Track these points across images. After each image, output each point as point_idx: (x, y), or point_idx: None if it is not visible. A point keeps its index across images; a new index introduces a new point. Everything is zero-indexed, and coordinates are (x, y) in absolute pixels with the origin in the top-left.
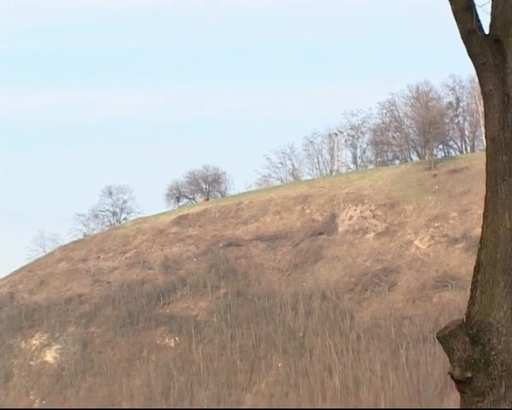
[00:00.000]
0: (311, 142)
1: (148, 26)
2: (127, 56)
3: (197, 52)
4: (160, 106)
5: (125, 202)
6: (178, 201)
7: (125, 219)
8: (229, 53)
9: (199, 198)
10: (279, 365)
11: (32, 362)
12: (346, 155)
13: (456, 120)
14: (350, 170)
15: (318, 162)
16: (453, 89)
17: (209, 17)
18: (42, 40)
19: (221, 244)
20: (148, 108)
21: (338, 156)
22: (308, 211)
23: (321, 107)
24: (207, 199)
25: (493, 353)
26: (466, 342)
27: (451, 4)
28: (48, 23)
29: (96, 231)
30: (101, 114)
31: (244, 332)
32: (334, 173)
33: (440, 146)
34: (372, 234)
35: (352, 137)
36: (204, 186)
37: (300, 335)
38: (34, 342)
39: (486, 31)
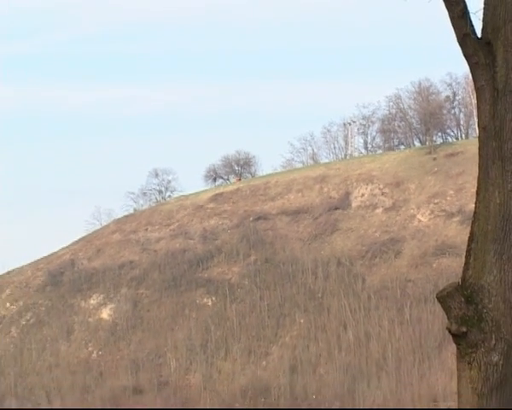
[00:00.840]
0: (328, 130)
1: (179, 30)
2: (168, 56)
3: (228, 52)
4: (199, 99)
5: (169, 181)
6: (215, 181)
7: (169, 196)
8: (257, 52)
9: (232, 179)
10: (301, 321)
11: (90, 319)
12: (358, 141)
13: (452, 112)
14: (361, 154)
15: (334, 148)
16: (450, 84)
17: (242, 20)
18: (95, 43)
19: (251, 218)
20: (190, 101)
21: (351, 143)
22: (326, 189)
23: (337, 100)
24: (239, 179)
25: (485, 311)
26: (461, 302)
27: (449, 12)
28: (96, 28)
29: (144, 207)
30: (149, 106)
31: (271, 293)
32: (347, 157)
33: (439, 134)
34: (380, 209)
35: (364, 126)
36: (236, 168)
37: (319, 295)
38: (92, 301)
39: (479, 34)
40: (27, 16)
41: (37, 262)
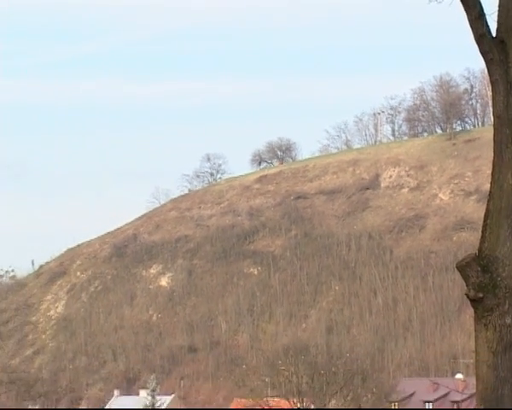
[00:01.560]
0: (360, 119)
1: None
2: (224, 54)
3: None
4: (247, 91)
5: (219, 165)
6: (260, 164)
7: (219, 178)
8: (300, 50)
9: (275, 162)
10: (336, 288)
11: (150, 286)
12: (386, 129)
13: (470, 102)
14: (389, 140)
15: (365, 135)
16: (468, 78)
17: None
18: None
19: (292, 197)
20: (241, 93)
21: (380, 130)
22: (358, 171)
23: (367, 92)
24: (282, 163)
25: (499, 279)
26: (478, 271)
27: (467, 14)
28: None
29: (198, 188)
30: (204, 97)
31: (309, 264)
32: (377, 143)
33: (458, 122)
34: (406, 189)
35: (391, 115)
36: (279, 153)
37: (352, 265)
38: (152, 271)
39: (494, 34)
40: (100, 18)
41: (103, 236)
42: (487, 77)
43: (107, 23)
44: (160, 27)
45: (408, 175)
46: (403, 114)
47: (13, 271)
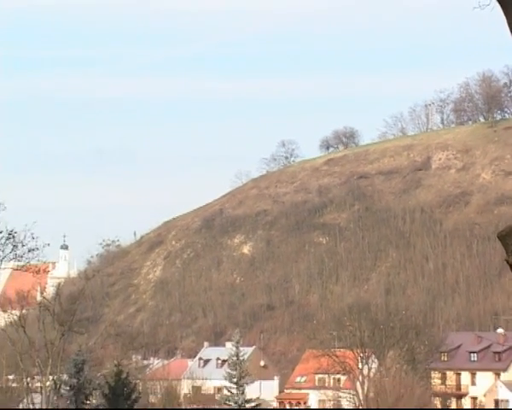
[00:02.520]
0: (413, 110)
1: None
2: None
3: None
4: (314, 86)
5: (293, 150)
6: (327, 149)
7: (293, 161)
8: (363, 49)
9: (341, 147)
10: (393, 255)
11: (234, 253)
12: (436, 118)
13: (509, 95)
14: (439, 128)
15: (418, 123)
16: (507, 74)
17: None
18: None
19: (355, 177)
20: (311, 87)
21: (431, 119)
22: (411, 155)
23: (420, 86)
24: (346, 147)
25: None
26: None
27: (506, 18)
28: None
29: (274, 169)
30: (279, 92)
31: (370, 234)
32: (428, 130)
33: (499, 111)
34: (454, 170)
35: (441, 106)
36: (344, 139)
37: (407, 235)
38: (236, 240)
39: None
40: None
41: (194, 211)
42: None
43: (197, 28)
44: (240, 31)
45: (455, 158)
46: (450, 106)
47: (118, 241)
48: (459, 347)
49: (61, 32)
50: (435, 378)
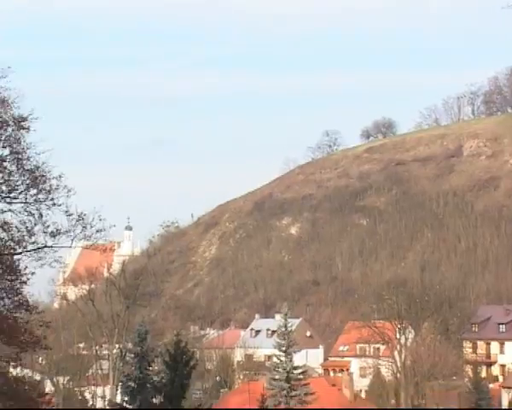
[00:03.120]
0: (446, 102)
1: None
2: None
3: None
4: (355, 80)
5: (336, 139)
6: (368, 138)
7: (336, 149)
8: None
9: (380, 136)
10: (428, 235)
11: (282, 234)
12: (467, 109)
13: None
14: (470, 118)
15: (451, 114)
16: None
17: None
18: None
19: (393, 164)
20: (350, 81)
21: (462, 110)
22: (445, 143)
23: (452, 80)
24: (385, 137)
25: None
26: None
27: None
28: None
29: (319, 157)
30: (323, 85)
31: (407, 216)
32: (460, 121)
33: None
34: (484, 156)
35: (471, 98)
36: (383, 129)
37: (441, 217)
38: (284, 222)
39: None
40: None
41: (246, 195)
42: None
43: (245, 28)
44: (283, 30)
45: (485, 146)
46: (480, 98)
47: (177, 222)
48: (489, 319)
49: (120, 34)
50: (467, 348)
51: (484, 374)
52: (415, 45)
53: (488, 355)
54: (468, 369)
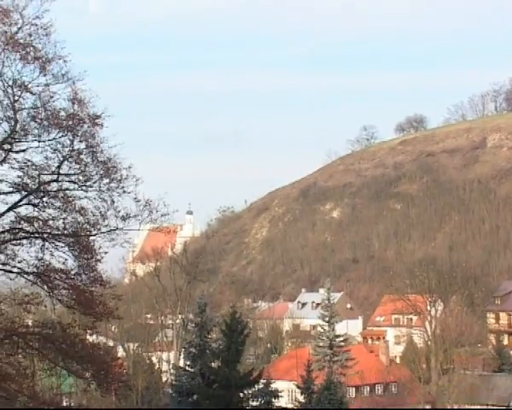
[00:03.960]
0: (472, 99)
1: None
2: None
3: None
4: (391, 80)
5: (373, 133)
6: (401, 132)
7: (373, 142)
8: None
9: (412, 130)
10: (455, 218)
11: (325, 217)
12: (490, 106)
13: None
14: (493, 114)
15: (476, 110)
16: None
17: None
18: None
19: (424, 155)
20: (386, 80)
21: (486, 107)
22: (470, 136)
23: (477, 79)
24: (416, 131)
25: None
26: None
27: None
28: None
29: (358, 149)
30: (361, 83)
31: (436, 201)
32: (484, 116)
33: None
34: (505, 148)
35: (494, 96)
36: (414, 124)
37: (467, 202)
38: (327, 207)
39: None
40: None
41: (293, 183)
42: None
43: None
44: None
45: (506, 138)
46: (502, 95)
47: (232, 207)
48: (510, 292)
49: (200, 38)
50: (490, 318)
51: (506, 342)
52: (443, 47)
53: (510, 325)
54: (492, 338)
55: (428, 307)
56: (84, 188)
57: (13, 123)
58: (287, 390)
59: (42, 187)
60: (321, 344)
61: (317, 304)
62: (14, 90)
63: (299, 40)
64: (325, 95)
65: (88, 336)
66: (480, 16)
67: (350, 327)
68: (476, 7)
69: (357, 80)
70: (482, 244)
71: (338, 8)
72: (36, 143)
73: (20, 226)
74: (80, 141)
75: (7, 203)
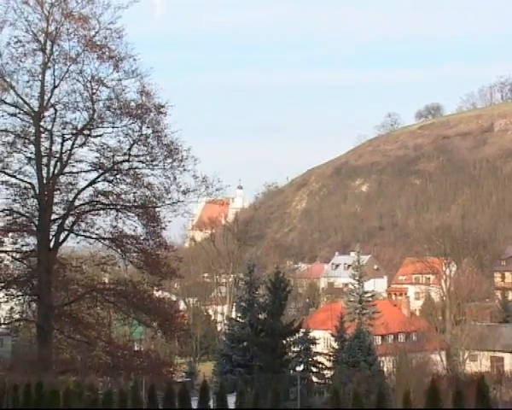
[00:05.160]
0: (481, 90)
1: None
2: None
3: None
4: (411, 72)
5: (396, 119)
6: (420, 118)
7: (396, 127)
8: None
9: (430, 117)
10: (467, 192)
11: (355, 191)
12: (497, 95)
13: None
14: (500, 102)
15: (484, 99)
16: None
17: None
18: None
19: (440, 138)
20: (410, 74)
21: (494, 96)
22: (480, 121)
23: (486, 73)
24: (434, 117)
25: None
26: None
27: None
28: None
29: (383, 133)
30: (390, 76)
31: (451, 177)
32: (492, 104)
33: None
34: (510, 131)
35: (501, 87)
36: (432, 111)
37: (477, 178)
38: (357, 182)
39: None
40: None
41: (328, 162)
42: None
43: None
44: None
45: (511, 123)
46: (508, 86)
47: (276, 183)
48: None
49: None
50: (497, 277)
51: (510, 297)
52: (457, 45)
53: None
54: (498, 294)
55: (444, 268)
56: (150, 167)
57: (91, 112)
58: (322, 338)
59: (115, 166)
60: (352, 299)
61: (349, 265)
62: (93, 84)
63: (327, 41)
64: (356, 87)
65: (155, 292)
66: (491, 18)
67: (376, 285)
68: (488, 8)
69: (383, 74)
70: (490, 214)
71: (362, 10)
72: (110, 129)
73: (97, 199)
74: (147, 127)
75: (86, 180)
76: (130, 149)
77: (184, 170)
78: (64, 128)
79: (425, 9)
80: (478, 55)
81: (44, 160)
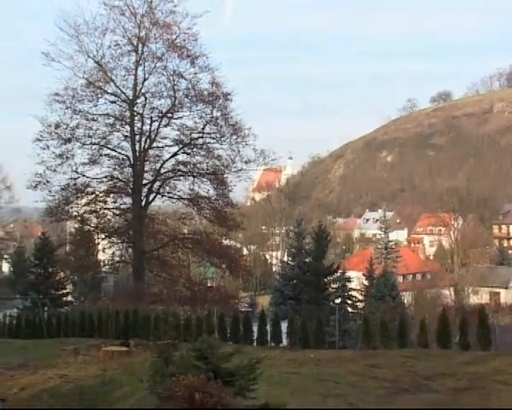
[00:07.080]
0: (483, 79)
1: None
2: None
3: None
4: (426, 63)
5: (414, 103)
6: (434, 102)
7: (414, 109)
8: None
9: (441, 101)
10: (472, 161)
11: (382, 161)
12: (496, 83)
13: None
14: (498, 89)
15: (486, 86)
16: None
17: None
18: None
19: (450, 117)
20: (426, 64)
21: (493, 84)
22: (482, 104)
23: (486, 65)
24: (445, 101)
25: None
26: None
27: None
28: None
29: (404, 114)
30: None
31: (458, 149)
32: (491, 91)
33: None
34: (507, 112)
35: (499, 76)
36: (443, 97)
37: (479, 150)
38: (383, 154)
39: None
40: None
41: (359, 138)
42: None
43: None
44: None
45: (507, 106)
46: (504, 76)
47: (318, 155)
48: (509, 211)
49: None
50: (495, 229)
51: (505, 245)
52: (463, 40)
53: (508, 233)
54: (496, 242)
55: (452, 222)
56: (219, 142)
57: (173, 99)
58: (356, 277)
59: (192, 142)
60: (379, 247)
61: (377, 220)
62: (174, 77)
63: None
64: (383, 77)
65: (223, 241)
66: (491, 18)
67: (399, 235)
68: (488, 8)
69: (404, 67)
70: (491, 178)
71: (386, 13)
72: (188, 113)
73: (178, 168)
74: (217, 111)
75: (169, 153)
76: (203, 128)
77: (246, 144)
78: (152, 112)
79: (440, 11)
80: (480, 50)
81: (137, 137)
